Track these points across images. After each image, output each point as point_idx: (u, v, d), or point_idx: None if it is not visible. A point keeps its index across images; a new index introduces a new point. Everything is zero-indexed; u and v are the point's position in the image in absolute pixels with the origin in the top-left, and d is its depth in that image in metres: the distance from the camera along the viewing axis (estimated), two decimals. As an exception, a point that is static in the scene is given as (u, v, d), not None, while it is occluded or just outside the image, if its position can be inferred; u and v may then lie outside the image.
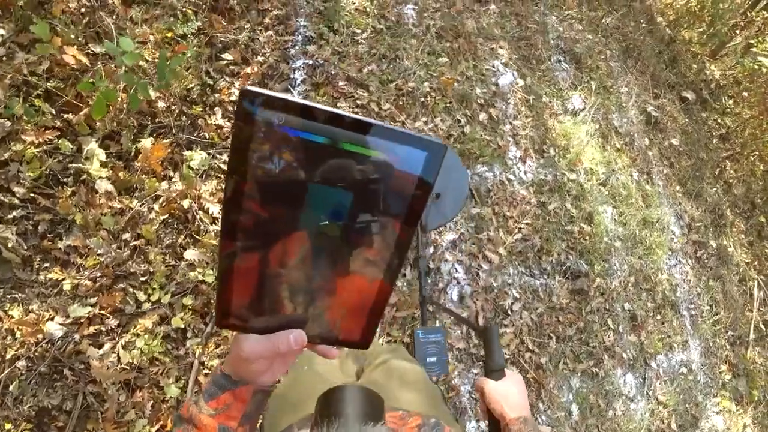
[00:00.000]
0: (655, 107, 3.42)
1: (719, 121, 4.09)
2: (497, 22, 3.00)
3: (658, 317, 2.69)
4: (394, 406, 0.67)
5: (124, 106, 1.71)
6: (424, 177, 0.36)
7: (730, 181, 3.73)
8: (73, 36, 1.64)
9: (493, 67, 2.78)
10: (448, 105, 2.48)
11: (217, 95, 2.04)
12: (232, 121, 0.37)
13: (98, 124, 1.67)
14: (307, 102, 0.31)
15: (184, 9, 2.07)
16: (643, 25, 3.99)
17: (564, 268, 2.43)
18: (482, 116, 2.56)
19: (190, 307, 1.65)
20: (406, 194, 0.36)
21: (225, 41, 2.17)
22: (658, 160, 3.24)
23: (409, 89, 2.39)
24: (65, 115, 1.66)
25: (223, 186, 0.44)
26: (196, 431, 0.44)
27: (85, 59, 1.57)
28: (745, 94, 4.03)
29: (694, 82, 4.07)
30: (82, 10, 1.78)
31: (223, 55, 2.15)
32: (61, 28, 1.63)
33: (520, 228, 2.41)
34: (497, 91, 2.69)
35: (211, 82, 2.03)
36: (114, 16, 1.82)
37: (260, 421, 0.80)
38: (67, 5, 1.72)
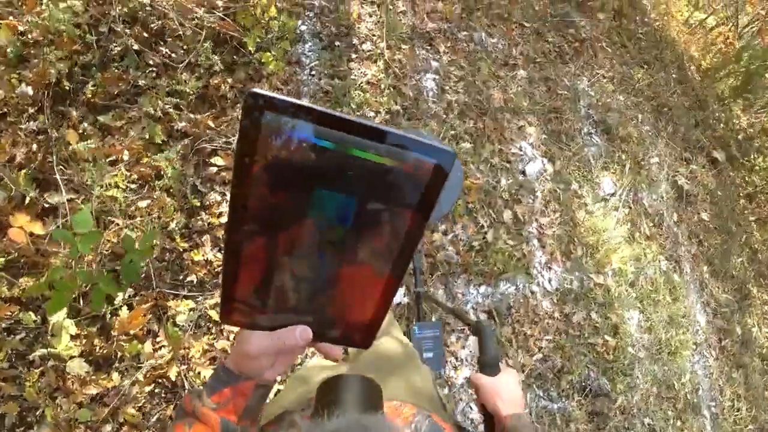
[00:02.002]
0: (686, 177, 3.11)
1: (747, 179, 3.78)
2: (525, 90, 2.62)
3: (678, 423, 2.52)
4: (389, 396, 0.65)
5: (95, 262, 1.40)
6: (431, 184, 0.34)
7: (755, 246, 3.49)
8: (21, 190, 1.29)
9: (521, 149, 2.44)
10: (469, 206, 2.17)
11: (205, 217, 1.72)
12: (239, 124, 0.31)
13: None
14: (315, 106, 0.30)
15: (165, 107, 1.71)
16: (674, 75, 3.61)
17: (584, 386, 2.22)
18: (507, 216, 2.26)
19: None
20: (413, 202, 0.35)
21: (215, 142, 1.82)
22: (687, 238, 2.98)
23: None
24: (25, 282, 1.36)
25: (229, 189, 0.41)
26: (199, 424, 0.43)
27: (38, 226, 1.25)
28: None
29: (723, 137, 3.73)
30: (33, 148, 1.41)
31: (212, 160, 1.81)
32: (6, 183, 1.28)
33: (541, 347, 2.16)
34: (524, 181, 2.36)
35: (198, 202, 1.70)
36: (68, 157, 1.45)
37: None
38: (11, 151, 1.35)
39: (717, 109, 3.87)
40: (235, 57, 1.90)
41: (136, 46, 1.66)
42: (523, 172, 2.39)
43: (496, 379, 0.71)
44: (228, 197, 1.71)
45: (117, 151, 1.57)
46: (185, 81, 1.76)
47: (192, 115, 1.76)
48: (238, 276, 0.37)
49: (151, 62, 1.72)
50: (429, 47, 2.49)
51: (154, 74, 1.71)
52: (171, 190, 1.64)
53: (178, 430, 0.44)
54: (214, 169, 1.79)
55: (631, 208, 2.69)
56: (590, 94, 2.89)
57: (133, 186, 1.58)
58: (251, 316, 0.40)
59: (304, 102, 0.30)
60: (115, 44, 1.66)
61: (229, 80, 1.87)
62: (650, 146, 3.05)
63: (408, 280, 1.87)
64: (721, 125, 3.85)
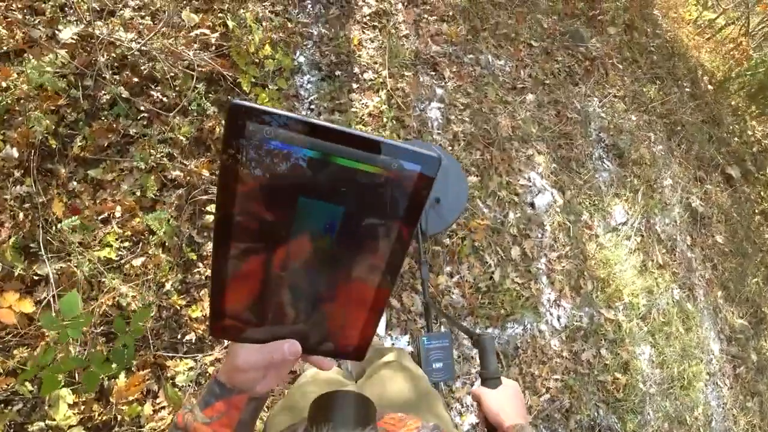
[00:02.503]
0: (700, 198, 2.99)
1: (762, 194, 3.65)
2: (534, 115, 2.51)
3: (690, 458, 2.45)
4: (394, 409, 0.65)
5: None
6: (417, 191, 0.33)
7: (770, 265, 3.37)
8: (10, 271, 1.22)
9: (529, 180, 2.33)
10: (476, 244, 2.08)
11: (203, 269, 1.65)
12: (222, 133, 0.32)
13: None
14: (297, 116, 0.30)
15: (158, 155, 1.63)
16: (687, 89, 3.46)
17: (593, 426, 2.15)
18: (515, 252, 2.17)
19: None
20: (399, 208, 0.34)
21: (210, 190, 1.75)
22: (701, 262, 2.87)
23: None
24: (20, 353, 1.31)
25: (215, 196, 0.39)
26: None
27: (28, 303, 1.19)
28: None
29: (737, 152, 3.59)
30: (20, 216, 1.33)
31: (208, 208, 1.74)
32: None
33: (549, 387, 2.09)
34: (533, 215, 2.27)
35: (194, 255, 1.63)
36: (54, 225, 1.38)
37: (261, 426, 0.79)
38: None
39: (731, 122, 3.72)
40: (229, 97, 1.82)
41: (125, 94, 1.58)
42: (532, 205, 2.29)
43: (498, 392, 0.70)
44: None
45: (109, 208, 1.50)
46: (178, 126, 1.68)
47: (186, 163, 1.69)
48: (225, 289, 0.37)
49: (142, 108, 1.64)
50: (433, 73, 2.39)
51: (144, 122, 1.63)
52: (166, 245, 1.57)
53: None
54: (211, 218, 1.71)
55: (643, 236, 2.59)
56: (601, 115, 2.77)
57: (126, 244, 1.52)
58: (240, 330, 0.39)
59: (285, 111, 0.30)
60: (103, 92, 1.58)
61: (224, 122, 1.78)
62: (663, 167, 2.93)
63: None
64: (735, 138, 3.70)
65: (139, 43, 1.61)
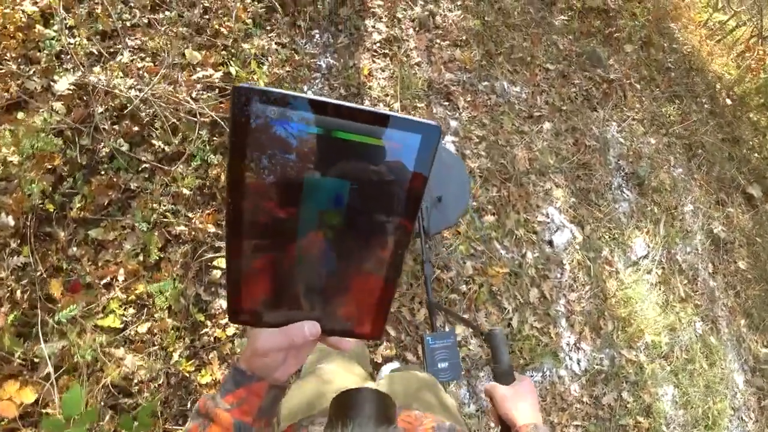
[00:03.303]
0: (721, 223, 2.87)
1: (783, 212, 3.53)
2: (551, 145, 2.39)
3: (713, 499, 2.37)
4: (411, 406, 0.64)
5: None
6: (420, 159, 0.34)
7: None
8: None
9: (547, 216, 2.23)
10: (493, 288, 1.99)
11: (211, 330, 1.56)
12: (228, 117, 0.34)
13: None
14: (297, 93, 0.30)
15: (162, 209, 1.54)
16: (706, 105, 3.32)
17: (616, 473, 2.07)
18: (533, 295, 2.07)
19: None
20: (403, 179, 0.34)
21: (218, 243, 1.65)
22: (723, 290, 2.76)
23: (450, 279, 1.89)
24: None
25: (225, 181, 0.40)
26: (213, 425, 0.42)
27: (29, 391, 1.10)
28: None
29: (757, 168, 3.46)
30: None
31: (215, 263, 1.65)
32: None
33: (570, 436, 2.01)
34: (551, 254, 2.16)
35: (202, 316, 1.54)
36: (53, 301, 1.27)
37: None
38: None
39: (749, 137, 3.59)
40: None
41: (125, 147, 1.48)
42: (550, 243, 2.18)
43: (511, 388, 0.68)
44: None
45: (111, 272, 1.41)
46: (181, 176, 1.59)
47: (190, 216, 1.59)
48: (242, 274, 0.37)
49: (143, 159, 1.55)
50: (447, 103, 2.27)
51: (146, 174, 1.53)
52: (172, 308, 1.49)
53: (192, 429, 0.43)
54: (218, 273, 1.62)
55: (664, 268, 2.48)
56: (620, 141, 2.65)
57: (131, 310, 1.43)
58: (259, 315, 0.40)
59: (286, 91, 0.30)
60: (102, 145, 1.48)
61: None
62: (684, 192, 2.81)
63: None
64: (756, 155, 3.57)
65: (139, 90, 1.51)
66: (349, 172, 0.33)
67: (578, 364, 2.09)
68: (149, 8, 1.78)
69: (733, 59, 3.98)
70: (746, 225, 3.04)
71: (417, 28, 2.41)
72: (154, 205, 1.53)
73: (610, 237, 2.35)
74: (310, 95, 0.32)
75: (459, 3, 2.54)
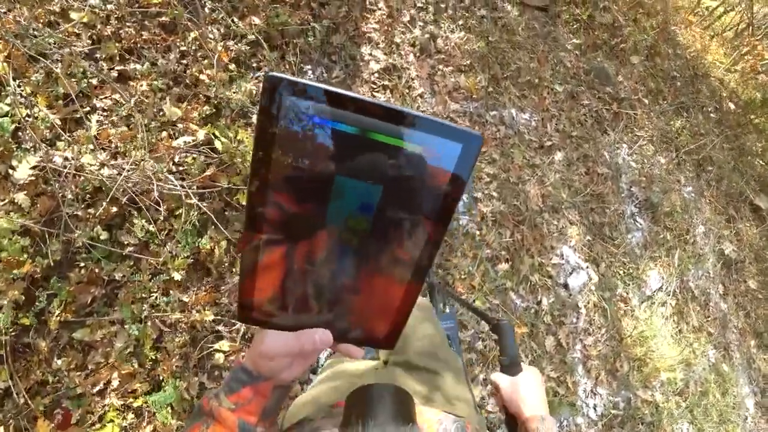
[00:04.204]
0: (731, 241, 2.83)
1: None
2: (564, 177, 2.28)
3: None
4: (418, 400, 0.62)
5: None
6: (458, 171, 0.32)
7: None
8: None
9: (562, 257, 2.14)
10: (509, 342, 1.90)
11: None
12: (257, 108, 0.29)
13: None
14: (336, 89, 0.28)
15: (152, 301, 1.39)
16: (712, 114, 3.23)
17: None
18: (549, 344, 2.00)
19: None
20: (439, 189, 0.32)
21: (219, 325, 1.52)
22: (734, 312, 2.75)
23: (467, 338, 1.80)
24: None
25: (248, 176, 0.34)
26: (216, 425, 0.41)
27: None
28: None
29: (763, 176, 3.43)
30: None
31: (217, 346, 1.52)
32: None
33: (589, 486, 1.99)
34: (567, 298, 2.08)
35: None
36: None
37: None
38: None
39: (753, 142, 3.54)
40: (226, 211, 1.56)
41: (103, 235, 1.31)
42: (566, 286, 2.10)
43: (518, 379, 0.66)
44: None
45: (104, 377, 1.27)
46: (171, 256, 1.43)
47: (185, 300, 1.45)
48: (257, 273, 0.35)
49: (126, 242, 1.39)
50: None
51: (131, 262, 1.38)
52: (174, 408, 1.36)
53: (195, 428, 0.41)
54: (221, 357, 1.50)
55: (678, 298, 2.43)
56: (631, 164, 2.55)
57: (130, 415, 1.30)
58: (270, 316, 0.38)
59: (323, 84, 0.28)
60: (78, 233, 1.31)
61: (223, 243, 1.54)
62: (695, 212, 2.75)
63: None
64: (759, 161, 3.53)
65: (113, 166, 1.34)
66: (382, 176, 0.31)
67: (594, 409, 2.05)
68: (118, 58, 1.57)
69: (727, 52, 3.89)
70: (755, 240, 3.01)
71: (418, 54, 2.23)
72: (143, 294, 1.38)
73: (624, 272, 2.28)
74: (347, 91, 0.28)
75: (461, 23, 2.36)
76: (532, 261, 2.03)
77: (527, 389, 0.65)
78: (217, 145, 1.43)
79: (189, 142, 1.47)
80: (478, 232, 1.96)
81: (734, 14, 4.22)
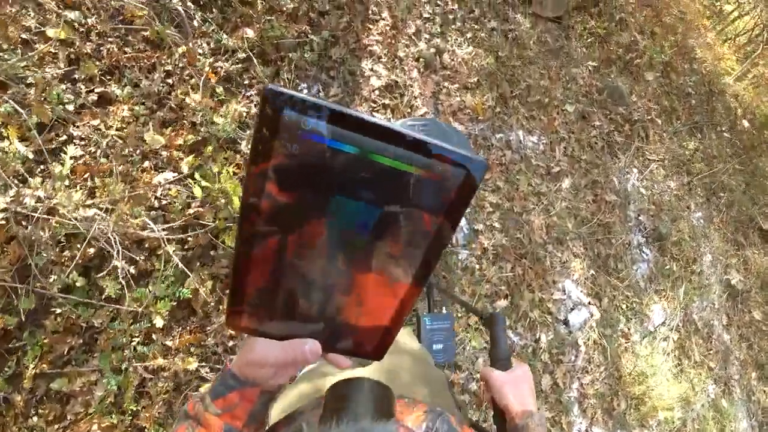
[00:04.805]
0: (738, 269, 2.79)
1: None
2: (570, 206, 2.21)
3: None
4: (400, 393, 0.61)
5: None
6: (459, 196, 0.32)
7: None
8: None
9: (564, 292, 2.08)
10: (505, 382, 1.87)
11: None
12: (255, 121, 0.28)
13: None
14: (338, 107, 0.28)
15: (135, 349, 1.34)
16: (725, 134, 3.14)
17: None
18: (545, 383, 1.96)
19: None
20: (438, 213, 0.32)
21: (204, 370, 1.47)
22: (737, 343, 2.72)
23: (460, 380, 1.76)
24: None
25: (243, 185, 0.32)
26: (201, 429, 0.41)
27: None
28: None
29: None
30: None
31: (207, 383, 1.48)
32: None
33: None
34: (566, 335, 2.04)
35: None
36: None
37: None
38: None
39: (766, 163, 3.46)
40: (213, 253, 1.50)
41: (80, 281, 1.25)
42: (566, 322, 2.06)
43: (508, 374, 0.67)
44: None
45: (83, 429, 1.23)
46: (152, 300, 1.38)
47: (168, 343, 1.40)
48: (246, 281, 0.35)
49: (104, 286, 1.33)
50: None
51: (110, 308, 1.32)
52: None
53: None
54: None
55: (680, 332, 2.40)
56: (641, 191, 2.47)
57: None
58: (259, 324, 0.38)
59: (324, 101, 0.27)
60: (52, 277, 1.25)
61: (208, 282, 1.48)
62: (702, 241, 2.69)
63: None
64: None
65: (89, 206, 1.27)
66: (380, 198, 0.31)
67: (590, 450, 2.03)
68: (98, 79, 1.48)
69: (740, 59, 3.78)
70: (762, 267, 2.97)
71: (422, 69, 2.13)
72: (124, 339, 1.33)
73: (627, 307, 2.24)
74: (350, 110, 0.27)
75: (469, 35, 2.25)
76: (533, 296, 1.98)
77: (517, 385, 0.66)
78: (197, 192, 1.36)
79: (169, 179, 1.40)
80: (477, 267, 1.90)
81: (748, 18, 4.14)
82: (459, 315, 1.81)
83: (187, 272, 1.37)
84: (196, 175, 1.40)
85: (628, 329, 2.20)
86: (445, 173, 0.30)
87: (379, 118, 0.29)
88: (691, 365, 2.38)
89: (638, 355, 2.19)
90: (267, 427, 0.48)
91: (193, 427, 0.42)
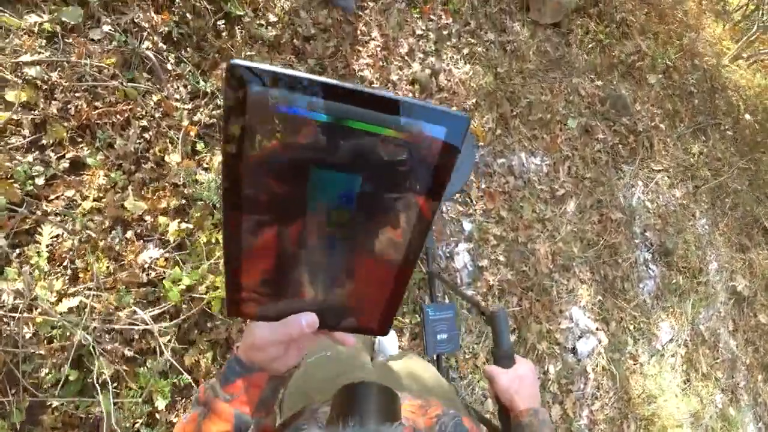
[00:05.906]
0: (743, 274, 2.82)
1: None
2: (576, 229, 2.19)
3: None
4: (415, 396, 0.65)
5: None
6: (443, 155, 0.30)
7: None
8: None
9: (571, 320, 2.09)
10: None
11: None
12: (222, 99, 0.30)
13: None
14: (304, 74, 0.27)
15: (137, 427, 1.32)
16: (729, 132, 3.12)
17: None
18: (555, 413, 1.98)
19: None
20: (423, 177, 0.31)
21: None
22: (743, 347, 2.79)
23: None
24: None
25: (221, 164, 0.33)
26: (212, 415, 0.42)
27: None
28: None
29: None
30: None
31: None
32: None
33: None
34: (575, 363, 2.06)
35: None
36: None
37: (279, 401, 0.77)
38: None
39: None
40: (209, 324, 1.46)
41: (72, 375, 1.21)
42: (574, 350, 2.07)
43: (512, 371, 0.69)
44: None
45: None
46: (154, 380, 1.35)
47: (174, 420, 1.38)
48: (240, 266, 0.35)
49: (100, 371, 1.29)
50: (458, 195, 2.01)
51: (109, 394, 1.29)
52: None
53: (192, 419, 0.43)
54: None
55: (688, 346, 2.45)
56: (646, 204, 2.46)
57: None
58: (258, 308, 0.39)
59: (290, 71, 0.26)
60: (44, 371, 1.21)
61: (208, 354, 1.45)
62: (708, 248, 2.71)
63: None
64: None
65: (72, 295, 1.21)
66: (361, 166, 0.30)
67: (601, 476, 2.09)
68: (68, 141, 1.40)
69: (735, 36, 3.74)
70: (767, 268, 3.02)
71: (417, 94, 2.06)
72: (128, 424, 1.31)
73: (635, 327, 2.26)
74: (319, 77, 0.26)
75: (465, 52, 2.16)
76: (540, 327, 1.99)
77: (520, 382, 0.67)
78: (185, 281, 1.31)
79: (155, 257, 1.34)
80: (483, 302, 1.89)
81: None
82: (466, 357, 1.82)
83: (181, 360, 1.34)
84: (179, 280, 1.34)
85: (636, 351, 2.23)
86: (424, 132, 0.29)
87: (350, 83, 0.25)
88: (699, 378, 2.44)
89: (646, 375, 2.23)
90: (279, 418, 0.46)
91: (204, 413, 0.43)
